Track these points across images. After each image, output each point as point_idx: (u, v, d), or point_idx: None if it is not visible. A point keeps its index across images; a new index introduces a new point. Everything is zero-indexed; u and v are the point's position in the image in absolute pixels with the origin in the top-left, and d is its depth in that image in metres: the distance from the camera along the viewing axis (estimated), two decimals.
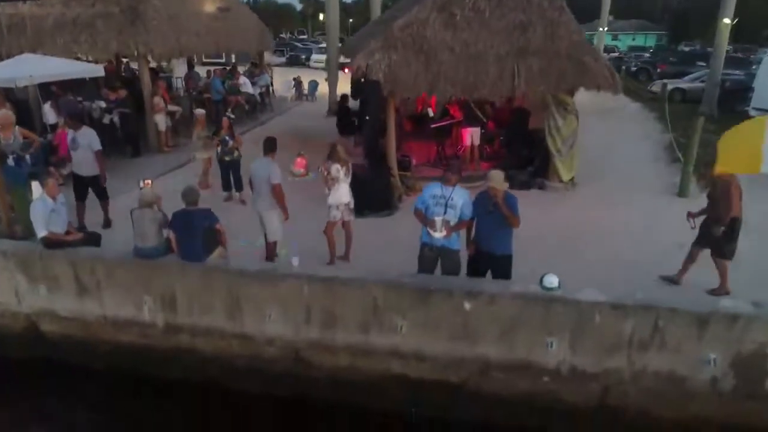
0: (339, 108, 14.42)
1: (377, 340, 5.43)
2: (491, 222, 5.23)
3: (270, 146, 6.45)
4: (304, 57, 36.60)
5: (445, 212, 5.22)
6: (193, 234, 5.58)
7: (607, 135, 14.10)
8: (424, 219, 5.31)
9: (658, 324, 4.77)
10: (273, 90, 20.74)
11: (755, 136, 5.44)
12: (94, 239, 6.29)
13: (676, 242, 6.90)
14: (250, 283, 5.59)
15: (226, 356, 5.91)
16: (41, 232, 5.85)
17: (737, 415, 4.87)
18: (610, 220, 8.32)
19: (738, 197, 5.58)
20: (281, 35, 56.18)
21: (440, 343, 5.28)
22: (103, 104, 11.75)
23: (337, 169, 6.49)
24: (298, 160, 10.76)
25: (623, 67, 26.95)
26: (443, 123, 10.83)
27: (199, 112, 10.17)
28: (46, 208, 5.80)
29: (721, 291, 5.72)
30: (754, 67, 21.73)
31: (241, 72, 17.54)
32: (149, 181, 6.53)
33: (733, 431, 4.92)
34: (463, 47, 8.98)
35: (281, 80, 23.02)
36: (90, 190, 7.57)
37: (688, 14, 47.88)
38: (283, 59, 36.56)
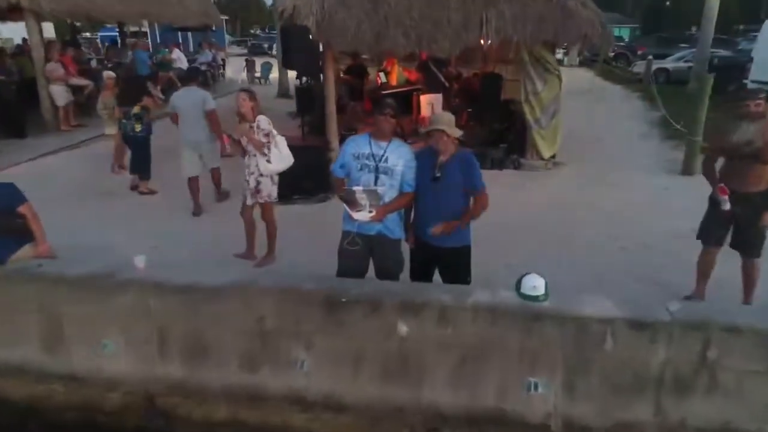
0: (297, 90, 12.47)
1: (269, 380, 3.50)
2: (439, 195, 3.37)
3: (194, 74, 6.70)
4: (266, 45, 35.61)
5: (375, 180, 3.35)
6: None
7: (589, 113, 12.42)
8: (343, 191, 3.42)
9: (708, 353, 2.96)
10: (222, 72, 18.67)
11: None
12: None
13: (692, 227, 5.24)
14: (73, 297, 3.60)
15: (49, 407, 3.90)
16: None
17: None
18: (604, 203, 6.55)
19: None
20: (252, 31, 54.21)
21: (365, 385, 3.38)
22: None
23: (268, 121, 4.62)
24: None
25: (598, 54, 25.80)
26: (396, 90, 8.93)
27: (108, 74, 8.14)
28: None
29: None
30: (739, 47, 20.49)
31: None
32: None
33: None
34: None
35: (234, 64, 21.10)
36: None
37: (660, 7, 47.28)
38: (245, 50, 35.40)
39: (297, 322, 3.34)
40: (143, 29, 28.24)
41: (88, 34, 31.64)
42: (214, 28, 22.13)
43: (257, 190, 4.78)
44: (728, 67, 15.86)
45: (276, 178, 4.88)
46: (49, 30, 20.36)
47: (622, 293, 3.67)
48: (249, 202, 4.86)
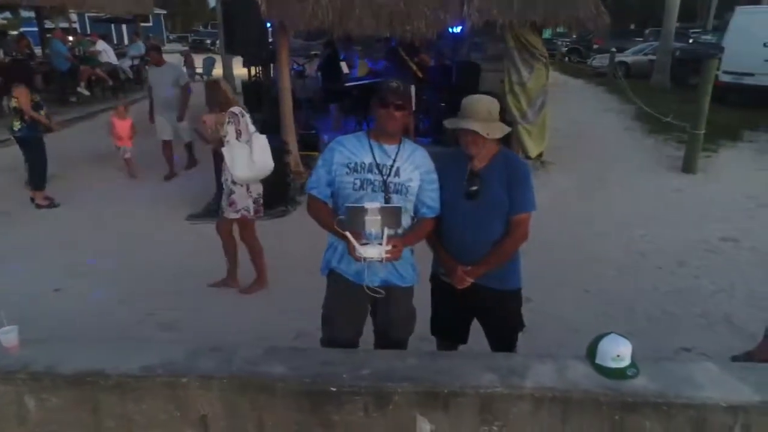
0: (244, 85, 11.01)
1: None
2: (475, 218, 2.28)
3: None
4: (209, 41, 34.04)
5: (386, 201, 2.18)
6: None
7: (561, 108, 11.66)
8: (333, 218, 2.21)
9: None
10: None
11: None
12: None
13: (720, 237, 4.52)
14: None
15: None
16: None
17: None
18: (613, 209, 5.69)
19: None
20: (194, 28, 52.00)
21: None
22: None
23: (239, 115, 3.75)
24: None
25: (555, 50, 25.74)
26: (360, 82, 7.80)
27: None
28: None
29: None
30: (690, 40, 20.54)
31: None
32: None
33: None
34: None
35: (172, 59, 19.41)
36: None
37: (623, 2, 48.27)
38: (186, 48, 33.58)
39: (260, 426, 2.16)
40: (73, 24, 25.69)
41: (14, 32, 28.88)
42: (150, 22, 20.20)
43: (230, 202, 3.79)
44: (690, 60, 15.65)
45: (255, 189, 3.84)
46: None
47: (706, 343, 2.69)
48: (226, 214, 3.84)
